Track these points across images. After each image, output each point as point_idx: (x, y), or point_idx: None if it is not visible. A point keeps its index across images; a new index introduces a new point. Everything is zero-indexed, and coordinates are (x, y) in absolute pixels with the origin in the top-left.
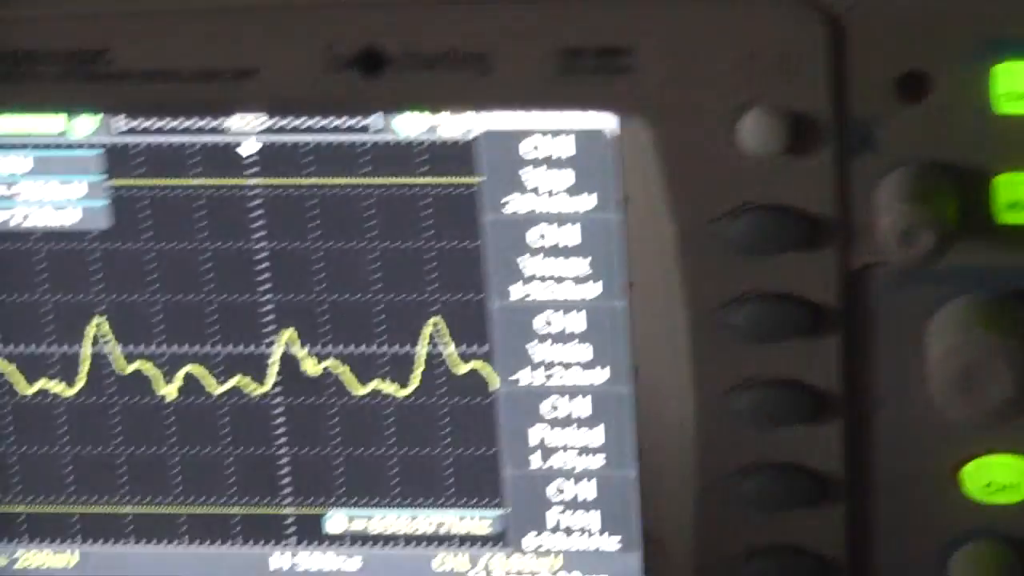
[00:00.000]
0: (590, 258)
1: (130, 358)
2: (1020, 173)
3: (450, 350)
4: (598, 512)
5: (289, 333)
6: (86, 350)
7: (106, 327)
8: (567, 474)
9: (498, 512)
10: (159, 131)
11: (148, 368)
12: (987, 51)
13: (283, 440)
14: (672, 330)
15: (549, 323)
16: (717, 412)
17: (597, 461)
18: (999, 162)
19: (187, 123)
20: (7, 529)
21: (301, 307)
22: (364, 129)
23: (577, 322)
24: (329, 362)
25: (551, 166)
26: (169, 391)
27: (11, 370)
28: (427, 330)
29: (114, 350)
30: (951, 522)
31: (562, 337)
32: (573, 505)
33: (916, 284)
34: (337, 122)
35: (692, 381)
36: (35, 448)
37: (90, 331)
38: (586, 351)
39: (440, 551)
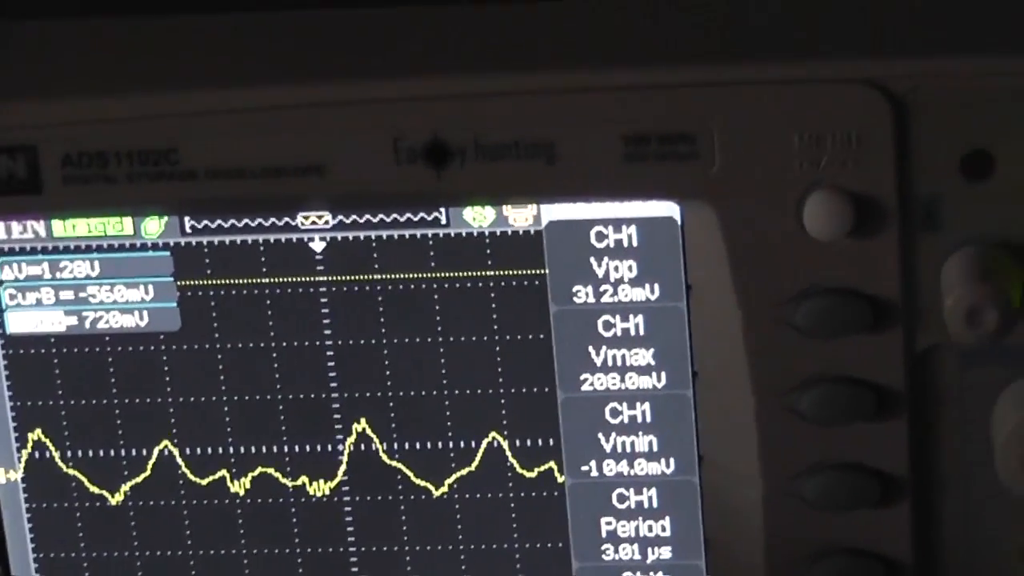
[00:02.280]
0: (653, 349)
1: (199, 460)
2: None
3: (518, 444)
4: None
5: (359, 429)
6: (155, 453)
7: (175, 429)
8: (636, 566)
9: None
10: (227, 230)
11: (218, 469)
12: None
13: (352, 538)
14: (738, 417)
15: (616, 414)
16: (784, 499)
17: (665, 552)
18: None
19: (255, 221)
20: None
21: (370, 403)
22: (431, 223)
23: (643, 412)
24: (398, 457)
25: (616, 256)
26: (239, 491)
27: (79, 476)
28: (496, 424)
29: (183, 452)
30: None
31: (628, 428)
32: None
33: (982, 364)
34: (403, 216)
35: (759, 468)
36: (104, 552)
37: (160, 433)
38: (652, 441)
39: None
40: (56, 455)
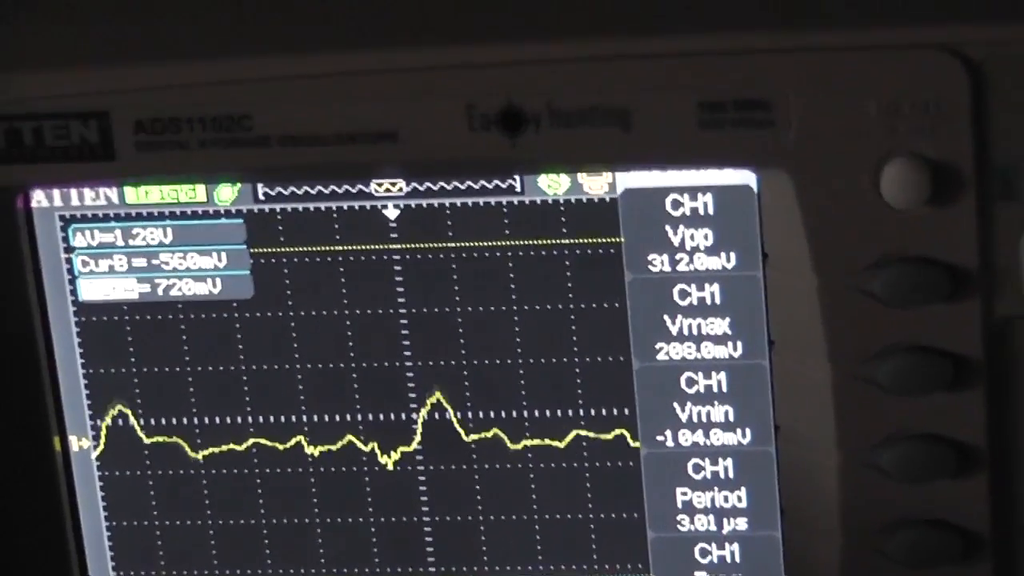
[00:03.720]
0: (729, 318)
1: (273, 428)
2: None
3: (593, 413)
4: (743, 575)
5: (433, 398)
6: (229, 421)
7: (248, 397)
8: (711, 537)
9: None
10: (300, 197)
11: (291, 438)
12: None
13: (427, 508)
14: (815, 387)
15: (692, 383)
16: (861, 469)
17: (741, 522)
18: None
19: (328, 189)
20: None
21: (444, 372)
22: (505, 190)
23: (719, 382)
24: (473, 426)
25: (692, 224)
26: (313, 460)
27: (153, 444)
28: (571, 393)
29: (256, 420)
30: None
31: (704, 398)
32: (718, 568)
33: None
34: (477, 184)
35: (835, 438)
36: (177, 520)
37: (233, 401)
38: (728, 411)
39: None
40: (131, 423)
